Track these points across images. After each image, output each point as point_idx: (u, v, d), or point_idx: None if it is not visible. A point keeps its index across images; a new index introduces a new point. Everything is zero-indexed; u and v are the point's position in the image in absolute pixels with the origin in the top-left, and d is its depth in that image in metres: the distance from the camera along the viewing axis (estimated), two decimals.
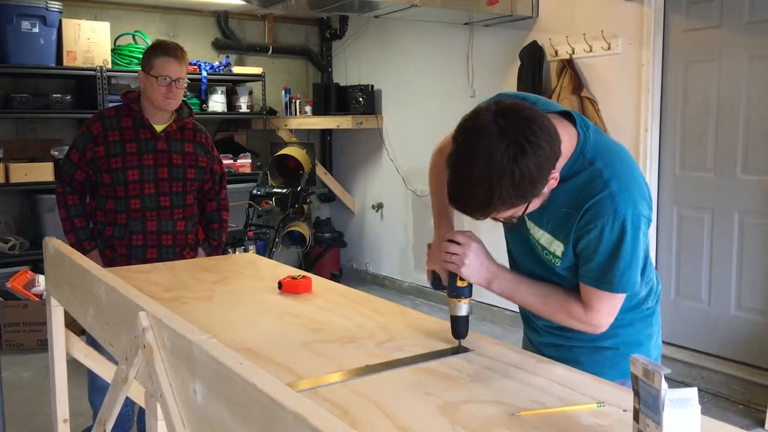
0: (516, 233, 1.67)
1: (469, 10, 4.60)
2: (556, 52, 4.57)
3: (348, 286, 2.20)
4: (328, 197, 6.72)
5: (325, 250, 6.42)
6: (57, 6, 4.99)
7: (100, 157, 2.70)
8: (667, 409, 1.04)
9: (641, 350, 1.66)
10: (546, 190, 1.42)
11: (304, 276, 2.13)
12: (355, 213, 6.67)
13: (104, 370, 2.16)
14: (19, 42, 4.86)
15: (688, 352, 4.10)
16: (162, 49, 2.72)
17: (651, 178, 4.20)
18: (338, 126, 6.07)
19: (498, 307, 5.07)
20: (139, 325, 1.33)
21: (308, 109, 6.27)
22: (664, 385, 1.04)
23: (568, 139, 1.47)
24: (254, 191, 5.77)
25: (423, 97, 5.79)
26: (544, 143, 1.33)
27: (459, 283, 1.58)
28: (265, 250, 5.86)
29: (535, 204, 1.45)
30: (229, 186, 6.11)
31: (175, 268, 2.47)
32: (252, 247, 5.75)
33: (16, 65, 4.90)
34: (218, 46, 6.17)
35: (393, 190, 6.18)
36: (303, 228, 5.99)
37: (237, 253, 5.42)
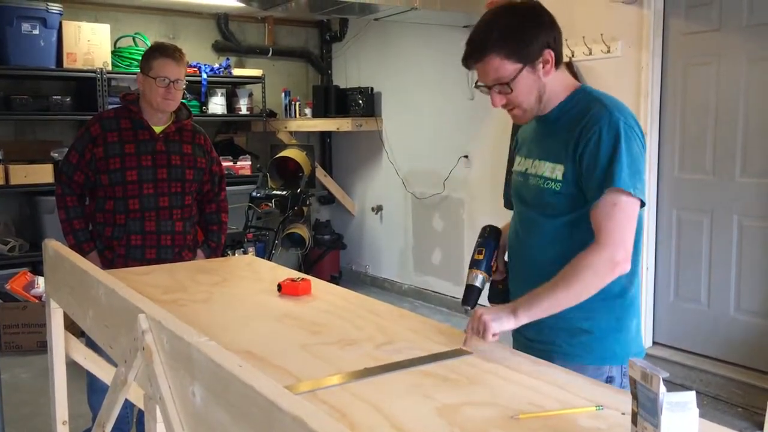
0: (517, 189, 1.80)
1: (469, 12, 4.61)
2: None
3: (347, 289, 2.21)
4: (328, 199, 6.73)
5: (325, 253, 6.42)
6: (57, 8, 4.99)
7: (99, 158, 2.72)
8: (665, 413, 1.04)
9: (618, 338, 1.69)
10: (540, 71, 1.63)
11: (303, 278, 2.14)
12: (355, 215, 6.67)
13: (103, 372, 2.16)
14: (20, 44, 4.86)
15: (687, 355, 4.10)
16: (160, 51, 2.74)
17: (650, 180, 4.20)
18: (338, 128, 6.08)
19: None
20: (139, 327, 1.34)
21: (308, 111, 6.27)
22: (662, 388, 1.04)
23: (570, 81, 1.73)
24: (254, 193, 5.77)
25: (422, 99, 5.80)
26: (546, 17, 1.64)
27: (476, 257, 1.75)
28: (264, 252, 5.86)
29: (526, 87, 1.63)
30: (228, 188, 6.09)
31: (174, 270, 2.47)
32: (251, 249, 5.75)
33: (17, 67, 4.91)
34: (218, 48, 6.18)
35: (392, 193, 6.19)
36: (302, 230, 5.99)
37: (236, 255, 5.42)
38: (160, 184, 2.76)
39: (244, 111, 6.05)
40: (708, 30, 3.93)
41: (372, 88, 6.13)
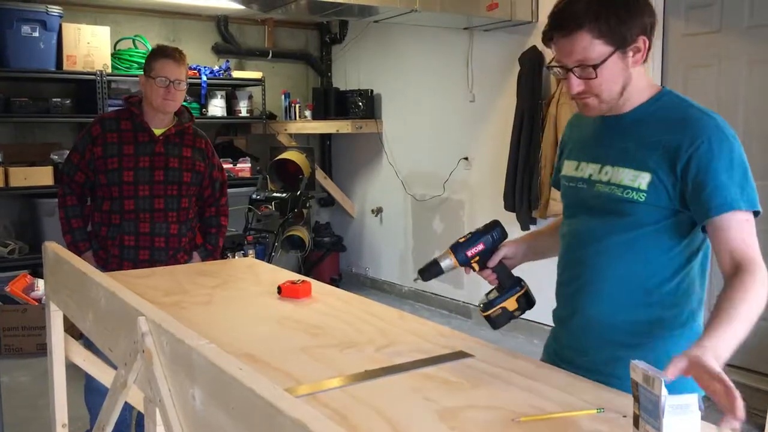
0: (577, 198, 1.62)
1: (469, 14, 4.61)
2: None
3: (347, 291, 2.20)
4: (328, 202, 6.72)
5: (325, 255, 6.42)
6: (57, 10, 4.99)
7: (98, 157, 2.75)
8: (667, 416, 1.04)
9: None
10: (630, 59, 1.45)
11: (303, 281, 2.13)
12: (355, 217, 6.67)
13: (103, 374, 2.15)
14: (20, 46, 4.86)
15: None
16: (161, 52, 2.78)
17: None
18: (338, 130, 6.07)
19: None
20: (139, 330, 1.33)
21: (308, 113, 6.27)
22: (664, 391, 1.04)
23: (653, 82, 1.56)
24: (254, 195, 5.77)
25: (422, 101, 5.80)
26: (645, 2, 1.46)
27: (459, 240, 1.69)
28: (264, 255, 5.86)
29: (613, 74, 1.45)
30: (228, 190, 6.11)
31: (174, 272, 2.46)
32: (251, 252, 5.74)
33: (16, 69, 4.91)
34: (218, 51, 6.18)
35: (392, 195, 6.19)
36: (302, 232, 5.98)
37: (236, 257, 5.41)
38: (156, 186, 2.77)
39: (243, 113, 6.05)
40: (708, 31, 3.93)
41: (372, 90, 6.13)
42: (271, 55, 6.39)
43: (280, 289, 2.09)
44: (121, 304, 1.47)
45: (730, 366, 3.88)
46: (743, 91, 3.80)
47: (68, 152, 2.91)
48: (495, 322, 1.71)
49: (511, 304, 1.69)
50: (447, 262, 1.67)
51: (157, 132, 2.80)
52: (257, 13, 5.86)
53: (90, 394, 2.79)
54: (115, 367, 1.57)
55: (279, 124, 6.36)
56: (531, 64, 4.63)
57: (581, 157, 1.62)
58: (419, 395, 1.34)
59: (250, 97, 6.09)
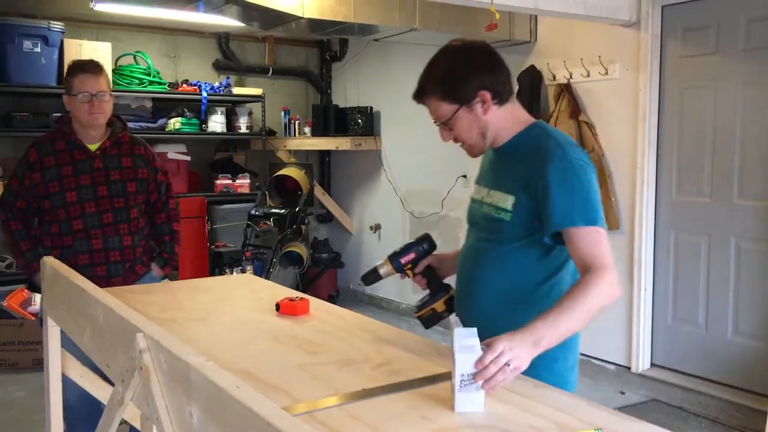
0: (471, 215, 1.91)
1: (468, 34, 4.65)
2: (554, 77, 4.61)
3: (345, 308, 2.20)
4: (326, 218, 6.73)
5: (323, 271, 6.41)
6: (59, 26, 5.02)
7: (38, 183, 2.73)
8: (457, 352, 1.35)
9: (564, 350, 1.71)
10: (478, 110, 1.72)
11: (301, 298, 2.13)
12: (353, 234, 6.67)
13: (100, 390, 2.15)
14: (21, 61, 4.89)
15: (685, 377, 4.09)
16: (77, 68, 2.77)
17: (648, 202, 4.22)
18: (337, 147, 6.09)
19: None
20: (136, 346, 1.33)
21: (307, 130, 6.30)
22: (455, 333, 1.39)
23: (524, 117, 1.82)
24: (252, 211, 5.77)
25: (421, 119, 5.73)
26: (482, 60, 1.74)
27: (396, 251, 1.94)
28: (262, 271, 5.85)
29: (465, 125, 1.74)
30: (227, 206, 6.10)
31: (172, 288, 2.46)
32: (249, 268, 5.74)
33: (18, 84, 4.93)
34: (218, 67, 6.21)
35: (391, 212, 6.19)
36: (300, 248, 5.98)
37: (234, 273, 5.41)
38: (102, 201, 2.76)
39: (243, 129, 6.07)
40: (705, 53, 3.96)
41: (371, 108, 6.15)
42: (271, 72, 6.42)
43: (278, 306, 2.09)
44: (119, 320, 1.48)
45: (728, 386, 3.86)
46: (739, 112, 3.83)
47: (8, 179, 2.89)
48: (426, 322, 1.96)
49: (439, 306, 1.93)
50: (385, 269, 1.94)
51: (93, 147, 2.79)
52: (258, 31, 5.90)
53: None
54: (111, 383, 1.57)
55: (278, 140, 6.38)
56: (529, 83, 4.66)
57: (480, 181, 1.92)
58: (417, 414, 1.34)
59: (250, 114, 6.11)
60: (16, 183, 2.78)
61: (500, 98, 1.75)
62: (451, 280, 1.96)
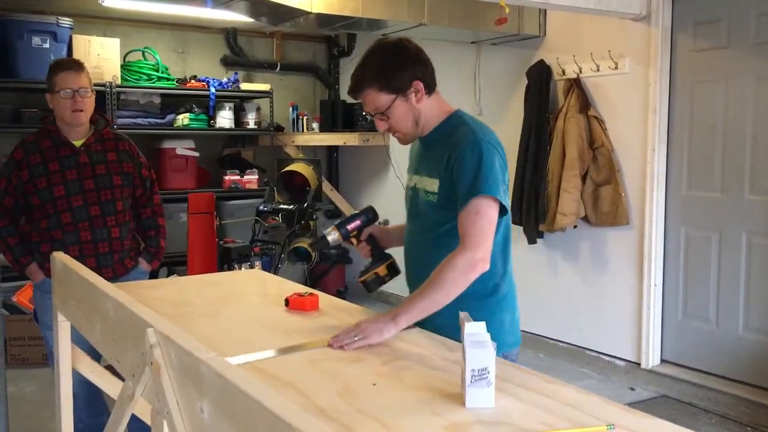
0: (408, 202, 2.08)
1: (477, 29, 4.63)
2: (563, 71, 4.59)
3: (353, 303, 2.20)
4: (334, 213, 6.73)
5: (330, 267, 6.41)
6: (68, 22, 5.03)
7: (25, 181, 2.77)
8: (468, 348, 1.37)
9: (491, 331, 1.79)
10: (412, 99, 1.89)
11: (311, 293, 2.13)
12: None
13: (109, 385, 2.15)
14: (30, 57, 4.90)
15: (695, 373, 4.07)
16: (58, 66, 2.81)
17: (658, 197, 4.19)
18: (345, 143, 6.09)
19: None
20: (147, 341, 1.33)
21: (315, 125, 6.29)
22: (466, 329, 1.42)
23: (446, 107, 1.98)
24: (261, 207, 5.77)
25: None
26: (412, 53, 1.90)
27: (341, 220, 2.10)
28: (270, 266, 5.86)
29: (401, 113, 1.90)
30: (235, 201, 6.10)
31: (181, 283, 2.47)
32: (258, 263, 5.74)
33: (26, 80, 4.94)
34: (227, 63, 6.21)
35: (399, 207, 6.14)
36: (308, 244, 5.98)
37: (243, 268, 5.42)
38: (89, 194, 2.79)
39: (251, 125, 6.07)
40: (716, 47, 3.93)
41: None
42: (279, 67, 6.42)
43: (287, 302, 2.09)
44: (129, 315, 1.48)
45: (739, 382, 3.84)
46: (750, 106, 3.80)
47: None
48: (369, 286, 2.10)
49: (381, 270, 2.08)
50: (333, 236, 2.07)
51: (78, 143, 2.83)
52: (266, 26, 5.89)
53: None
54: (121, 378, 1.57)
55: (286, 136, 6.38)
56: (538, 78, 4.64)
57: (411, 170, 2.09)
58: (427, 410, 1.34)
59: (258, 109, 6.11)
60: (4, 182, 2.81)
61: (429, 88, 1.93)
62: (395, 253, 2.13)
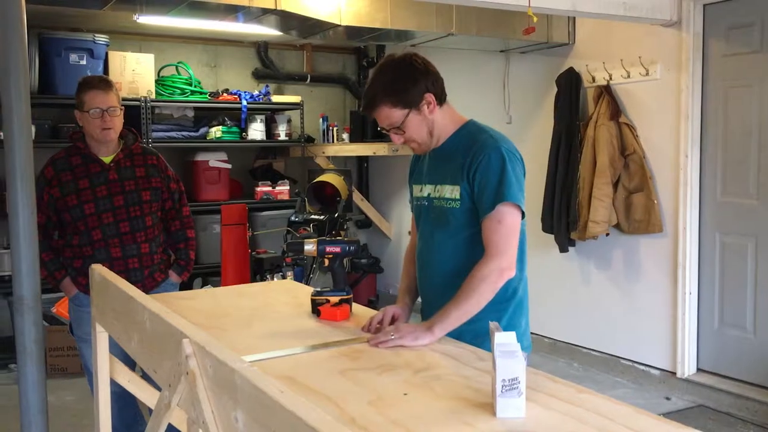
0: (422, 212, 2.09)
1: (505, 38, 4.63)
2: (593, 78, 4.57)
3: None
4: (365, 223, 6.76)
5: (362, 276, 6.44)
6: (104, 39, 5.15)
7: (57, 198, 2.82)
8: (498, 358, 1.37)
9: (515, 318, 1.99)
10: (425, 111, 1.93)
11: (342, 303, 2.15)
12: (392, 239, 6.69)
13: (146, 395, 2.20)
14: (67, 74, 5.02)
15: (733, 382, 4.00)
16: (87, 85, 2.84)
17: (692, 203, 4.14)
18: (375, 153, 6.11)
19: (536, 334, 5.01)
20: (183, 352, 1.36)
21: (345, 136, 6.33)
22: (496, 339, 1.43)
23: (458, 117, 2.05)
24: (292, 218, 5.81)
25: None
26: (420, 66, 1.93)
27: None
28: (302, 276, 5.90)
29: (416, 126, 1.94)
30: (267, 213, 6.16)
31: (216, 294, 2.51)
32: (290, 273, 5.78)
33: (64, 96, 5.05)
34: (258, 76, 6.30)
35: None
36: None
37: (275, 279, 5.47)
38: (118, 211, 2.84)
39: (282, 137, 6.13)
40: (749, 52, 3.88)
41: None
42: (309, 79, 6.48)
43: (319, 312, 2.12)
44: (165, 326, 1.51)
45: (751, 385, 3.74)
46: None
47: None
48: (315, 307, 2.13)
49: (334, 300, 2.12)
50: (309, 247, 2.14)
51: (107, 160, 2.87)
52: (296, 39, 5.96)
53: (90, 375, 2.82)
54: (158, 388, 1.60)
55: (317, 147, 6.43)
56: (568, 86, 4.62)
57: (420, 181, 2.12)
58: (458, 420, 1.34)
59: (289, 121, 6.17)
60: (36, 199, 2.86)
61: (440, 99, 1.97)
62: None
